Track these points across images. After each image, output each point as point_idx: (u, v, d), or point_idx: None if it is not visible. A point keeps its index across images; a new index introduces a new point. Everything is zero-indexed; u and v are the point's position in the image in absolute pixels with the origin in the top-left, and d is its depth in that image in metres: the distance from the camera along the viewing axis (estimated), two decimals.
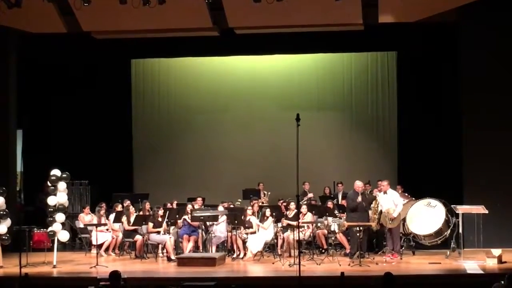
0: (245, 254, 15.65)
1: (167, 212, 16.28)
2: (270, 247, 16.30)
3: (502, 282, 9.16)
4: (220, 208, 16.60)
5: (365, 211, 15.31)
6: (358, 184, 15.40)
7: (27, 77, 19.39)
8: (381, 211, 15.18)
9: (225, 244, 16.34)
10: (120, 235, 16.76)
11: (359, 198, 15.10)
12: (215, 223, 16.01)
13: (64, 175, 15.17)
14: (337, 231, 15.85)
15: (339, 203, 17.41)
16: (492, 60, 16.95)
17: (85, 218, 17.28)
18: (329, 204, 16.41)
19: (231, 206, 17.14)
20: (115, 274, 9.87)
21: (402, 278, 12.33)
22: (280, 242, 15.91)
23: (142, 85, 21.21)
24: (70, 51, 19.45)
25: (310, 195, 18.49)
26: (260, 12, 15.82)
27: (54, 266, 14.72)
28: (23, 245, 15.06)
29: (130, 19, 16.25)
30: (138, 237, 16.14)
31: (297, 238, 13.99)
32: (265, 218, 15.94)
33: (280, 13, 15.87)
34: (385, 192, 15.29)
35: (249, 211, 16.17)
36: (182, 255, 15.35)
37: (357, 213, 15.12)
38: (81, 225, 17.32)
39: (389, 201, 15.15)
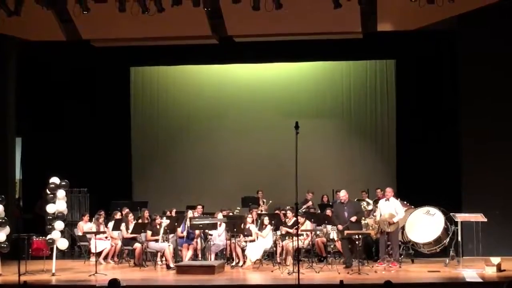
0: (244, 262, 15.63)
1: (165, 218, 16.27)
2: (269, 255, 16.29)
3: None
4: (219, 215, 16.59)
5: (350, 221, 15.17)
6: (342, 195, 15.37)
7: (26, 85, 19.39)
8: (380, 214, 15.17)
9: (224, 252, 16.33)
10: (119, 243, 16.75)
11: (345, 213, 15.08)
12: (216, 230, 16.01)
13: (63, 183, 15.15)
14: (336, 239, 15.85)
15: None
16: (491, 68, 16.96)
17: (84, 226, 17.27)
18: (328, 212, 16.39)
19: (230, 214, 17.13)
20: (114, 282, 9.87)
21: (401, 286, 12.34)
22: (279, 250, 15.90)
23: (141, 93, 21.23)
24: (69, 59, 19.46)
25: (309, 203, 18.48)
26: (259, 20, 15.84)
27: (53, 274, 14.69)
28: (22, 253, 15.07)
29: (129, 27, 16.26)
30: (137, 245, 16.12)
31: (296, 246, 14.00)
32: (264, 226, 15.93)
33: (279, 21, 15.88)
34: (387, 199, 15.30)
35: (249, 219, 16.17)
36: (181, 263, 15.34)
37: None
38: (80, 233, 17.31)
39: (391, 208, 15.16)
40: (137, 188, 20.87)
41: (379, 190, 16.78)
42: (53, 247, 15.06)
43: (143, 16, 15.12)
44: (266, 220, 15.92)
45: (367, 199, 17.07)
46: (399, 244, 15.60)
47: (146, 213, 17.04)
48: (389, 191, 15.43)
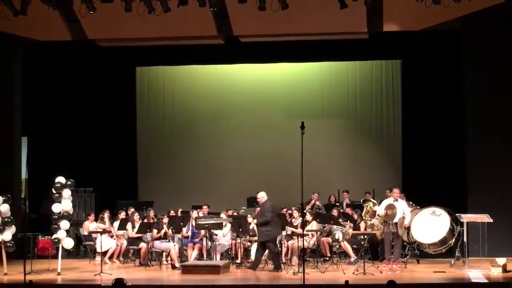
0: (248, 262, 15.62)
1: (169, 219, 16.29)
2: None
3: None
4: (222, 215, 16.58)
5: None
6: (261, 196, 15.19)
7: (32, 84, 19.43)
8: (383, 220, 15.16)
9: (229, 252, 16.33)
10: (125, 243, 16.76)
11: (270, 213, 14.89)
12: (221, 230, 16.01)
13: (69, 183, 15.16)
14: (341, 239, 15.85)
15: (344, 211, 17.39)
16: (496, 68, 16.92)
17: (90, 225, 17.29)
18: (334, 212, 16.35)
19: (235, 214, 17.11)
20: (119, 282, 9.88)
21: (406, 286, 12.36)
22: (284, 250, 15.89)
23: (147, 93, 21.26)
24: (75, 59, 19.48)
25: (312, 202, 18.41)
26: (265, 20, 15.84)
27: (59, 274, 14.72)
28: (28, 252, 15.08)
29: (135, 27, 16.26)
30: (143, 245, 16.13)
31: (302, 246, 13.99)
32: None
33: (285, 22, 15.88)
34: (395, 200, 15.26)
35: (249, 219, 16.15)
36: (187, 263, 15.34)
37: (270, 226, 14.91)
38: (86, 233, 17.33)
39: (400, 209, 15.13)
40: (143, 187, 20.88)
41: (388, 191, 16.70)
42: (59, 247, 15.07)
43: (149, 16, 15.14)
44: None
45: (372, 200, 17.05)
46: (405, 244, 15.63)
47: (152, 213, 17.04)
48: (396, 192, 15.38)
